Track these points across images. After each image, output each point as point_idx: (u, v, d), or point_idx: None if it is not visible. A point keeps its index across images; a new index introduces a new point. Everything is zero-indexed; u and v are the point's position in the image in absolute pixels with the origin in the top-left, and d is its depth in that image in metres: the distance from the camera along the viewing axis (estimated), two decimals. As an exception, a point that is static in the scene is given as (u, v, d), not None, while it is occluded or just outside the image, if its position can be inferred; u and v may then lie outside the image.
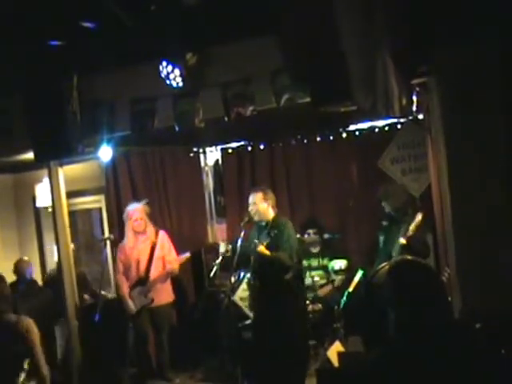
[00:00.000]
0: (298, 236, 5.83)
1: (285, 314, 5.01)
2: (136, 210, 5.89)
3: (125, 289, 5.91)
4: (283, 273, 5.02)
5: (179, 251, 6.82)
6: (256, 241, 5.01)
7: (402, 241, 5.07)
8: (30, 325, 4.09)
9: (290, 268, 5.06)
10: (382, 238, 5.58)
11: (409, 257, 2.04)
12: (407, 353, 1.76)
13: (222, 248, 5.94)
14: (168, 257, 6.00)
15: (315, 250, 6.51)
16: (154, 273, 5.87)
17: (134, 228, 5.88)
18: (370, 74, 3.06)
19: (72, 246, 6.91)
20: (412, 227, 5.03)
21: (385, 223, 5.59)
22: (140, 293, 5.84)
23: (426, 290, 1.84)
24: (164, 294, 5.98)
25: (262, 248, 4.93)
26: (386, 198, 5.50)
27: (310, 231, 6.50)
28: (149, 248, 5.90)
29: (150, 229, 5.98)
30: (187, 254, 6.15)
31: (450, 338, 1.78)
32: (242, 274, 5.87)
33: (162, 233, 6.06)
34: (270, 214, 5.23)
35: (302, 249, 5.83)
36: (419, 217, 5.00)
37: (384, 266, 1.94)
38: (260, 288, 5.12)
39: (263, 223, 5.23)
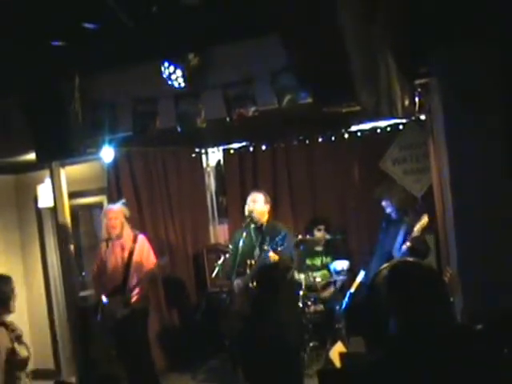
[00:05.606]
0: (300, 237, 6.01)
1: (283, 314, 5.05)
2: (112, 210, 5.52)
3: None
4: (286, 273, 5.17)
5: (177, 253, 6.81)
6: (266, 247, 5.03)
7: (408, 244, 5.06)
8: None
9: (291, 268, 5.26)
10: (380, 239, 5.59)
11: (410, 258, 2.04)
12: (409, 354, 1.76)
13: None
14: (146, 262, 5.47)
15: (319, 248, 6.51)
16: (132, 281, 5.37)
17: (109, 229, 5.45)
18: (373, 75, 3.05)
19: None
20: (418, 228, 5.02)
21: (383, 224, 5.59)
22: (119, 302, 5.32)
23: (427, 290, 1.84)
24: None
25: (273, 255, 4.96)
26: (387, 196, 5.48)
27: (318, 228, 6.50)
28: (126, 254, 5.42)
29: (127, 232, 5.50)
30: (164, 260, 5.60)
31: (452, 339, 1.77)
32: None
33: (141, 237, 5.55)
34: (266, 217, 5.30)
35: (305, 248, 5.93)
36: (425, 218, 4.99)
37: (386, 266, 1.93)
38: (258, 289, 5.14)
39: (257, 225, 5.29)
